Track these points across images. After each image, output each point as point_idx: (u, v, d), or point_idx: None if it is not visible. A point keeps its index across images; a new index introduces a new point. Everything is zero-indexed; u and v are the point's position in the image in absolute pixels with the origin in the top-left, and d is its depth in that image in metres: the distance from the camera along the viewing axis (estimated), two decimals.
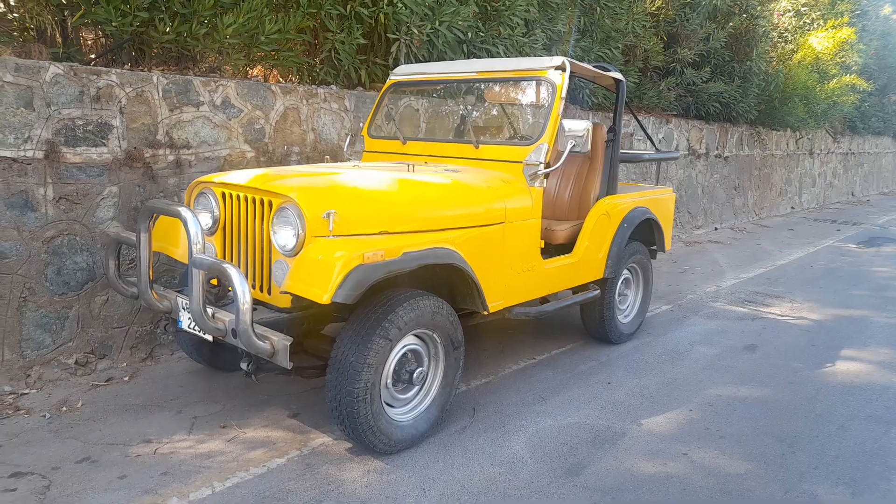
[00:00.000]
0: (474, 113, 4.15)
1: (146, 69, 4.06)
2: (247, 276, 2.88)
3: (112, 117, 3.67)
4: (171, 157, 3.96)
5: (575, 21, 6.46)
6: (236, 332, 2.50)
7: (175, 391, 3.46)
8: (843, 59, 10.58)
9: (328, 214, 2.69)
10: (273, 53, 4.54)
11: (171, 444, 2.91)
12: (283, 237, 2.77)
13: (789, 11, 10.28)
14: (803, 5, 10.37)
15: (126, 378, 3.61)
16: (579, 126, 3.38)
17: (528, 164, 3.46)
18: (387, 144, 4.21)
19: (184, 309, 2.94)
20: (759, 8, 9.12)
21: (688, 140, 9.36)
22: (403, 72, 4.35)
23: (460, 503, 2.54)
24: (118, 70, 3.71)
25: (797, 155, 13.18)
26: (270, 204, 2.83)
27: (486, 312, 3.19)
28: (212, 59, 4.43)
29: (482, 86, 4.16)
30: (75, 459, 2.75)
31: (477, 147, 3.71)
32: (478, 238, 3.15)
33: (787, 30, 10.35)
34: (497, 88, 4.13)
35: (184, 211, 2.66)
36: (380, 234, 2.84)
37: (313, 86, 4.81)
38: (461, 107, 4.47)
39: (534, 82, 3.79)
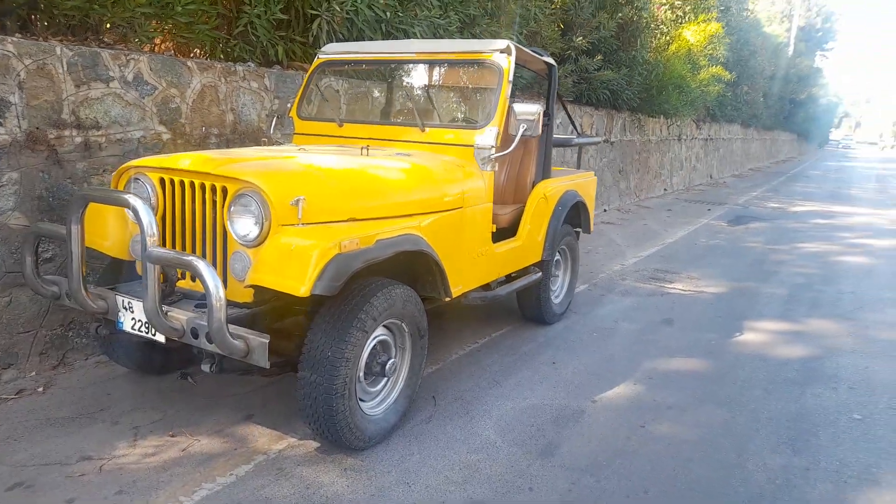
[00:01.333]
0: (415, 95, 4.04)
1: (41, 39, 3.57)
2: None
3: (9, 93, 3.20)
4: (78, 139, 3.52)
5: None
6: (209, 331, 2.28)
7: (103, 400, 3.12)
8: (711, 52, 11.48)
9: (297, 201, 2.52)
10: (186, 26, 4.15)
11: (117, 460, 2.62)
12: (244, 226, 2.56)
13: (664, 5, 10.97)
14: None
15: (40, 389, 3.20)
16: (531, 109, 3.39)
17: (480, 148, 3.44)
18: (320, 127, 4.01)
19: (125, 309, 2.64)
20: (642, 0, 9.65)
21: (580, 126, 9.76)
22: (333, 50, 4.15)
23: (448, 493, 2.50)
24: (14, 39, 3.24)
25: (668, 140, 14.19)
26: (225, 190, 2.60)
27: (447, 299, 3.15)
28: (114, 32, 3.98)
29: (422, 67, 4.06)
30: (4, 487, 2.40)
31: (423, 130, 3.62)
32: (440, 223, 3.09)
33: (663, 22, 11.04)
34: (438, 70, 4.05)
35: (131, 198, 2.37)
36: (348, 221, 2.71)
37: (231, 63, 4.47)
38: (400, 89, 4.34)
39: (478, 65, 3.75)
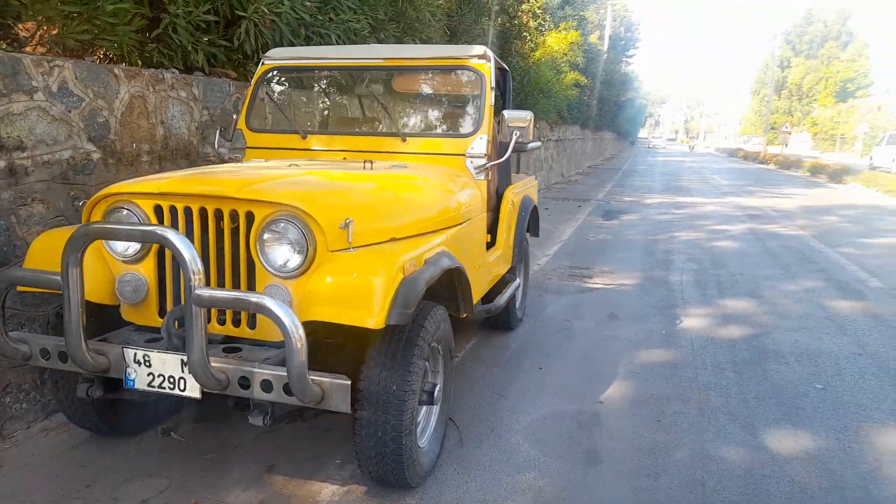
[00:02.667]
0: (387, 104, 3.82)
1: None
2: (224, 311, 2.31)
3: None
4: (1, 164, 2.91)
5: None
6: (290, 379, 1.97)
7: (81, 475, 2.60)
8: (571, 58, 12.23)
9: (347, 223, 2.28)
10: (111, 28, 3.60)
11: None
12: (281, 255, 2.27)
13: (529, 13, 11.50)
14: (538, 8, 11.69)
15: None
16: (523, 116, 3.36)
17: (472, 157, 3.35)
18: (279, 139, 3.67)
19: (138, 363, 2.22)
20: (515, 8, 10.03)
21: None
22: (280, 56, 3.82)
23: None
24: None
25: None
26: (251, 216, 2.28)
27: (469, 315, 3.03)
28: (34, 30, 3.35)
29: (389, 74, 3.86)
30: None
31: (404, 140, 3.45)
32: (456, 237, 2.96)
33: (528, 30, 11.57)
34: (409, 77, 3.87)
35: (165, 231, 1.98)
36: (389, 241, 2.50)
37: (159, 70, 3.94)
38: (367, 98, 4.08)
39: (454, 72, 3.65)
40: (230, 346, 2.37)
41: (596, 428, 3.14)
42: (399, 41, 6.78)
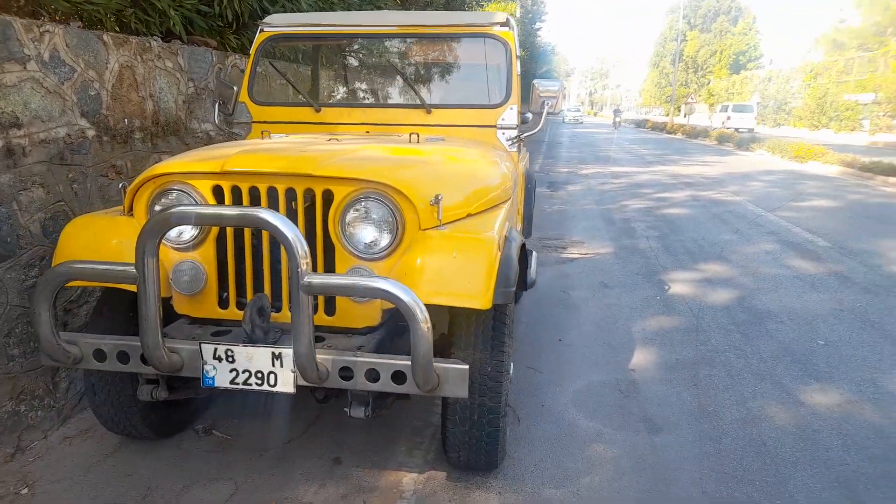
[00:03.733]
0: (405, 74, 3.62)
1: None
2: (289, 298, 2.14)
3: None
4: None
5: None
6: (415, 366, 1.84)
7: (133, 485, 2.36)
8: None
9: (437, 199, 2.15)
10: None
11: None
12: (368, 235, 2.14)
13: None
14: None
15: (24, 490, 2.31)
16: (553, 86, 3.28)
17: (504, 128, 3.26)
18: (288, 113, 3.43)
19: (219, 360, 2.02)
20: None
21: None
22: (280, 22, 3.56)
23: (615, 489, 2.40)
24: None
25: None
26: (330, 194, 2.12)
27: (520, 290, 2.96)
28: None
29: (403, 43, 3.67)
30: None
31: (429, 112, 3.31)
32: (510, 211, 2.88)
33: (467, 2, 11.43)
34: (426, 46, 3.69)
35: (270, 214, 1.79)
36: (466, 217, 2.39)
37: (146, 37, 3.57)
38: (380, 67, 3.86)
39: (476, 40, 3.51)
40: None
41: (639, 396, 3.17)
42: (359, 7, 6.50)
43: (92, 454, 2.56)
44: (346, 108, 3.43)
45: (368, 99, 3.95)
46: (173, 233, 2.22)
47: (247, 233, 2.18)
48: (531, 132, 3.32)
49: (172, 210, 1.82)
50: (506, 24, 3.41)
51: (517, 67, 3.35)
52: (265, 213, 1.79)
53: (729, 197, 10.23)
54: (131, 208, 2.26)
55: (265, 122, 3.43)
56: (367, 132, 3.26)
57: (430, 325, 1.81)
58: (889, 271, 5.61)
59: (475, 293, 2.02)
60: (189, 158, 2.24)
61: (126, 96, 3.33)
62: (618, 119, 42.91)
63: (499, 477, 2.46)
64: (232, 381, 2.03)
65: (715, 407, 3.05)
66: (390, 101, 3.53)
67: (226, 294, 2.24)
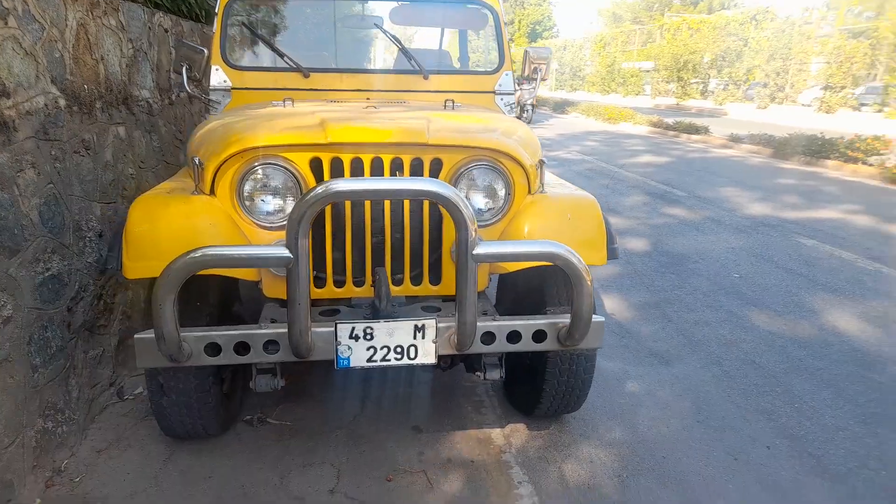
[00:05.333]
0: (392, 38, 3.46)
1: None
2: (402, 270, 2.13)
3: None
4: None
5: None
6: (578, 325, 1.93)
7: (224, 485, 2.18)
8: None
9: (541, 164, 2.24)
10: None
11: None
12: (479, 200, 2.19)
13: None
14: None
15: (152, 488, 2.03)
16: (544, 53, 3.40)
17: (502, 94, 3.35)
18: (273, 78, 3.20)
19: (356, 339, 1.94)
20: None
21: None
22: None
23: (679, 413, 2.71)
24: None
25: None
26: (438, 163, 2.11)
27: None
28: None
29: (391, 6, 3.53)
30: None
31: (426, 78, 3.29)
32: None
33: None
34: (412, 10, 3.57)
35: (442, 186, 1.75)
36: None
37: None
38: (363, 31, 3.64)
39: (462, 6, 3.51)
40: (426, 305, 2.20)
41: (633, 335, 3.53)
42: None
43: (145, 463, 2.29)
44: (337, 73, 3.27)
45: (356, 64, 3.78)
46: (267, 209, 2.07)
47: (347, 207, 2.08)
48: (531, 98, 3.44)
49: (328, 186, 1.70)
50: None
51: (507, 34, 3.43)
52: (434, 184, 1.76)
53: (578, 156, 11.16)
54: (212, 188, 2.03)
55: (246, 89, 3.16)
56: (368, 98, 3.16)
57: (592, 283, 1.91)
58: (746, 213, 6.64)
59: (597, 252, 2.15)
60: (274, 130, 2.06)
61: (82, 59, 2.87)
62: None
63: (570, 420, 2.64)
64: (369, 360, 1.97)
65: (698, 337, 3.50)
66: (383, 67, 3.42)
67: (322, 273, 2.13)
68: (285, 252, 1.72)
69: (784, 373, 3.09)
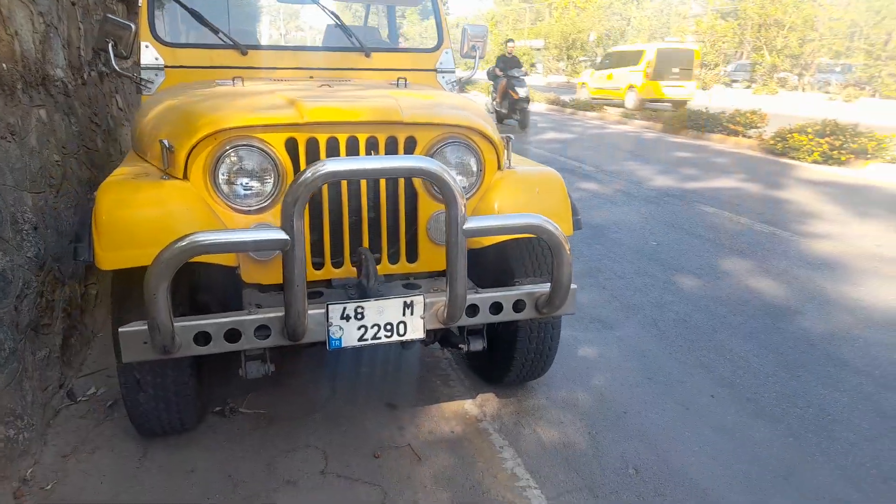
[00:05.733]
0: (336, 14, 3.35)
1: None
2: (379, 249, 2.17)
3: None
4: None
5: None
6: (558, 294, 2.03)
7: (212, 479, 2.13)
8: None
9: (509, 140, 2.32)
10: None
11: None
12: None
13: None
14: None
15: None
16: (481, 31, 3.45)
17: (443, 72, 3.40)
18: (208, 56, 3.07)
19: (347, 319, 1.95)
20: None
21: None
22: None
23: (631, 371, 2.92)
24: None
25: None
26: (412, 141, 2.16)
27: None
28: None
29: None
30: None
31: (368, 56, 3.28)
32: None
33: None
34: None
35: (431, 164, 1.79)
36: None
37: None
38: (290, 8, 3.49)
39: None
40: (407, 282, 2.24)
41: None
42: None
43: (119, 463, 2.19)
44: (277, 51, 3.18)
45: (294, 42, 3.65)
46: (244, 193, 2.02)
47: (324, 189, 2.08)
48: (471, 75, 3.50)
49: (323, 166, 1.69)
50: None
51: (444, 11, 3.46)
52: (427, 162, 1.79)
53: None
54: (184, 171, 1.96)
55: (180, 67, 3.02)
56: (311, 77, 3.10)
57: (570, 252, 2.03)
58: (651, 185, 7.08)
59: (566, 223, 2.27)
60: (247, 111, 2.01)
61: None
62: None
63: (535, 387, 2.78)
64: (360, 339, 1.99)
65: (631, 301, 3.76)
66: (323, 44, 3.34)
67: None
68: (282, 234, 1.70)
69: (712, 329, 3.39)
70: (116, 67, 2.94)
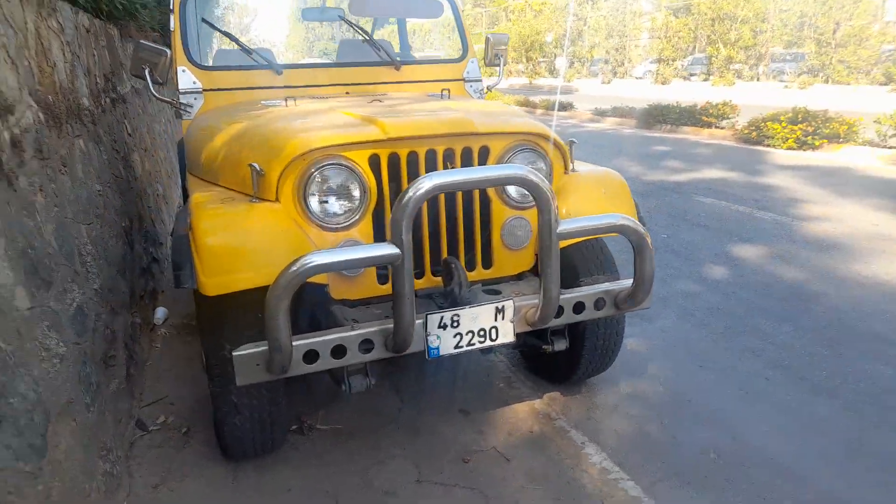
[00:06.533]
0: (364, 31, 3.37)
1: None
2: (456, 257, 2.21)
3: None
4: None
5: None
6: (640, 287, 2.11)
7: (311, 497, 2.14)
8: None
9: (572, 145, 2.39)
10: None
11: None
12: None
13: None
14: None
15: None
16: (503, 39, 3.52)
17: (471, 81, 3.46)
18: (245, 77, 3.09)
19: (444, 327, 1.99)
20: None
21: None
22: None
23: (703, 376, 3.01)
24: None
25: None
26: (486, 150, 2.21)
27: None
28: None
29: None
30: None
31: (398, 69, 3.33)
32: None
33: None
34: (371, 2, 3.52)
35: (527, 171, 1.84)
36: None
37: None
38: (317, 24, 3.50)
39: None
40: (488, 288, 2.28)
41: None
42: None
43: (212, 489, 2.18)
44: (310, 69, 3.20)
45: (326, 58, 3.67)
46: (334, 210, 2.04)
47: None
48: (497, 83, 3.56)
49: (430, 180, 1.73)
50: None
51: (463, 22, 3.53)
52: (523, 170, 1.84)
53: None
54: (276, 193, 1.98)
55: (218, 90, 3.02)
56: (347, 93, 3.14)
57: (652, 248, 2.10)
58: (645, 180, 7.25)
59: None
60: (333, 131, 2.04)
61: (42, 67, 2.60)
62: None
63: (596, 383, 2.85)
64: (456, 346, 2.03)
65: (661, 294, 3.85)
66: (356, 60, 3.37)
67: (382, 271, 2.15)
68: (394, 249, 1.73)
69: (746, 314, 3.51)
70: (155, 93, 2.93)
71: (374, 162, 2.06)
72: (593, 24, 31.76)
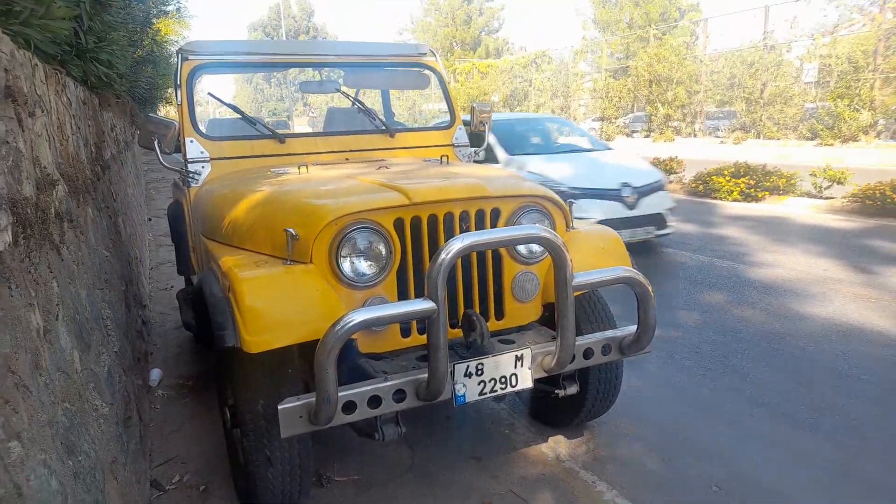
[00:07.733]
0: (359, 101, 3.56)
1: None
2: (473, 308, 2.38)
3: None
4: None
5: None
6: (643, 333, 2.30)
7: None
8: None
9: (571, 204, 2.62)
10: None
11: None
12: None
13: None
14: None
15: None
16: (486, 108, 3.77)
17: (459, 146, 3.69)
18: (249, 146, 3.23)
19: (468, 376, 2.13)
20: None
21: None
22: (205, 50, 3.30)
23: (694, 416, 3.19)
24: None
25: None
26: (497, 212, 2.41)
27: None
28: None
29: (336, 71, 3.67)
30: None
31: (392, 136, 3.54)
32: None
33: None
34: (361, 75, 3.73)
35: (548, 233, 2.03)
36: None
37: None
38: (316, 95, 3.67)
39: (407, 68, 3.78)
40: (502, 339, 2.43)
41: None
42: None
43: None
44: (311, 137, 3.37)
45: (323, 127, 3.85)
46: (361, 269, 2.18)
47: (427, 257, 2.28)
48: (482, 147, 3.80)
49: (462, 240, 1.90)
50: (431, 53, 3.81)
51: (448, 91, 3.79)
52: (542, 231, 2.03)
53: None
54: (310, 255, 2.11)
55: (223, 159, 3.16)
56: (346, 160, 3.32)
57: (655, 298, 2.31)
58: None
59: None
60: (362, 197, 2.20)
61: (59, 140, 2.70)
62: None
63: (596, 425, 3.00)
64: (480, 393, 2.17)
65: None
66: (351, 128, 3.56)
67: (407, 324, 2.29)
68: (430, 304, 1.88)
69: (723, 356, 3.75)
70: (164, 163, 3.05)
71: (399, 224, 2.22)
72: (537, 84, 33.16)
